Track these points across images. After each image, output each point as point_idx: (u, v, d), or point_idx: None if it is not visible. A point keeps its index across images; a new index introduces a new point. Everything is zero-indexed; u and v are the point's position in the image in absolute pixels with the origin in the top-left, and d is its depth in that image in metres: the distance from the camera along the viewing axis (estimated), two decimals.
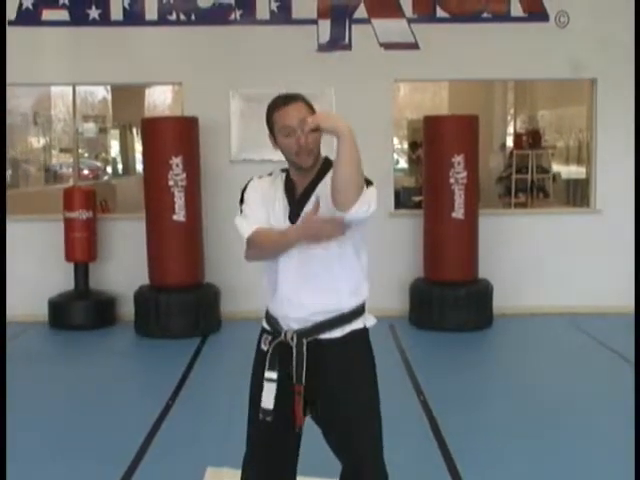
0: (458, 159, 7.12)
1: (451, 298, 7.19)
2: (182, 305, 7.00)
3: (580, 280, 7.78)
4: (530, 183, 10.81)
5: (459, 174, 7.13)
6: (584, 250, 7.82)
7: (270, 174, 2.78)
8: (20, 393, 5.43)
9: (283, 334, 2.65)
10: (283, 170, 2.74)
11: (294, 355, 2.62)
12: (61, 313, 7.46)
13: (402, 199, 9.50)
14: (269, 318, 2.75)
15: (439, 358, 6.44)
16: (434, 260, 7.38)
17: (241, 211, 2.73)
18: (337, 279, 2.66)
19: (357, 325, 2.74)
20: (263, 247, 2.67)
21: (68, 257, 7.47)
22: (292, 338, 2.63)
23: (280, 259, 2.64)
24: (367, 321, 2.81)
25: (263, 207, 2.68)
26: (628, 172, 6.62)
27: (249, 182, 2.77)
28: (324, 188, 2.56)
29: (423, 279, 7.50)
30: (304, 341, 2.62)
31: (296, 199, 2.65)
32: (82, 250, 7.45)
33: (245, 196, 2.74)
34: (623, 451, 3.63)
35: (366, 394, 2.75)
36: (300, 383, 2.62)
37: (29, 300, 7.53)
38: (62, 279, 7.56)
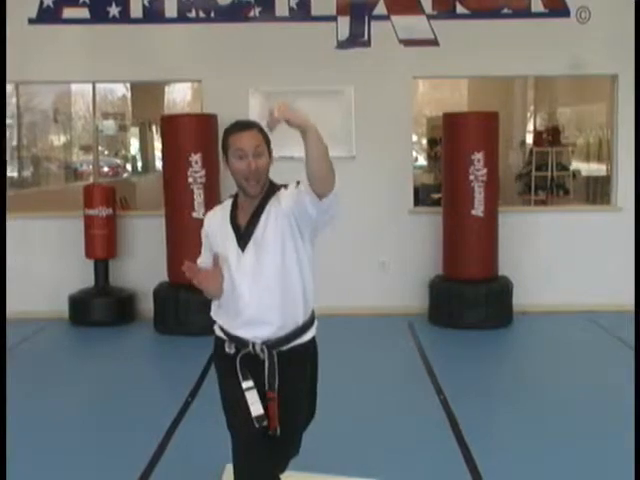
0: (478, 156, 7.09)
1: (471, 296, 7.16)
2: (201, 302, 6.87)
3: (601, 278, 7.72)
4: (550, 180, 10.74)
5: (479, 171, 7.10)
6: (604, 248, 7.76)
7: (225, 201, 2.98)
8: (40, 389, 5.48)
9: (251, 346, 2.80)
10: (232, 196, 2.91)
11: (266, 365, 2.79)
12: (81, 310, 7.50)
13: (421, 196, 9.47)
14: (227, 332, 2.87)
15: (459, 356, 6.41)
16: (453, 258, 7.35)
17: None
18: (297, 294, 2.82)
19: (311, 334, 2.92)
20: None
21: (88, 254, 7.51)
22: (262, 350, 2.79)
23: (236, 281, 2.79)
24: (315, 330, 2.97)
25: (208, 248, 2.93)
26: None
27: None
28: (271, 210, 2.76)
29: (442, 276, 7.47)
30: (274, 352, 2.79)
31: (242, 226, 2.81)
32: (102, 247, 7.49)
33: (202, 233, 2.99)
34: None
35: (315, 396, 3.03)
36: (273, 390, 2.78)
37: (50, 297, 7.60)
38: (82, 276, 7.60)
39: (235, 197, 2.90)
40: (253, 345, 2.80)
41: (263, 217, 2.77)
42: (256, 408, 2.75)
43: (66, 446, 4.43)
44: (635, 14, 6.55)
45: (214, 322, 2.98)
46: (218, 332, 2.94)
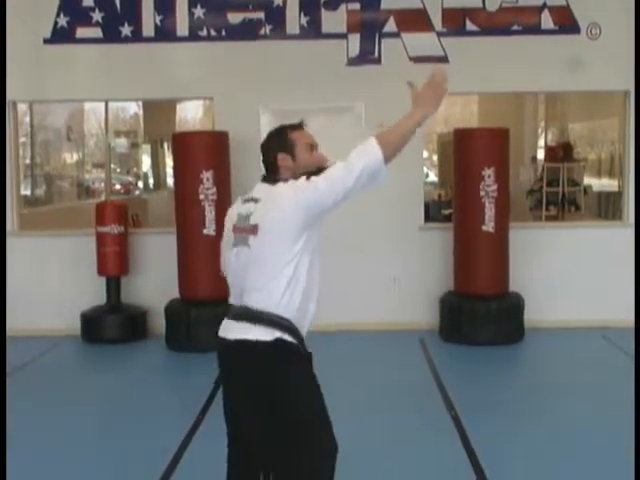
0: (488, 172, 7.09)
1: (482, 312, 7.14)
2: (212, 319, 6.93)
3: (612, 294, 7.68)
4: (561, 196, 10.72)
5: (489, 187, 7.10)
6: (616, 263, 7.72)
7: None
8: (51, 406, 5.49)
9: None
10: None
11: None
12: (93, 326, 7.51)
13: (432, 212, 9.48)
14: (294, 334, 2.80)
15: (470, 372, 6.39)
16: (464, 273, 7.34)
17: None
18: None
19: None
20: None
21: (100, 271, 7.54)
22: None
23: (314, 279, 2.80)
24: None
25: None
26: None
27: None
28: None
29: (453, 292, 7.46)
30: None
31: None
32: (114, 264, 7.52)
33: None
34: None
35: None
36: None
37: (63, 313, 7.61)
38: (94, 293, 7.62)
39: None
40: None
41: None
42: None
43: (75, 463, 4.43)
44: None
45: (282, 325, 2.76)
46: (287, 337, 2.75)
